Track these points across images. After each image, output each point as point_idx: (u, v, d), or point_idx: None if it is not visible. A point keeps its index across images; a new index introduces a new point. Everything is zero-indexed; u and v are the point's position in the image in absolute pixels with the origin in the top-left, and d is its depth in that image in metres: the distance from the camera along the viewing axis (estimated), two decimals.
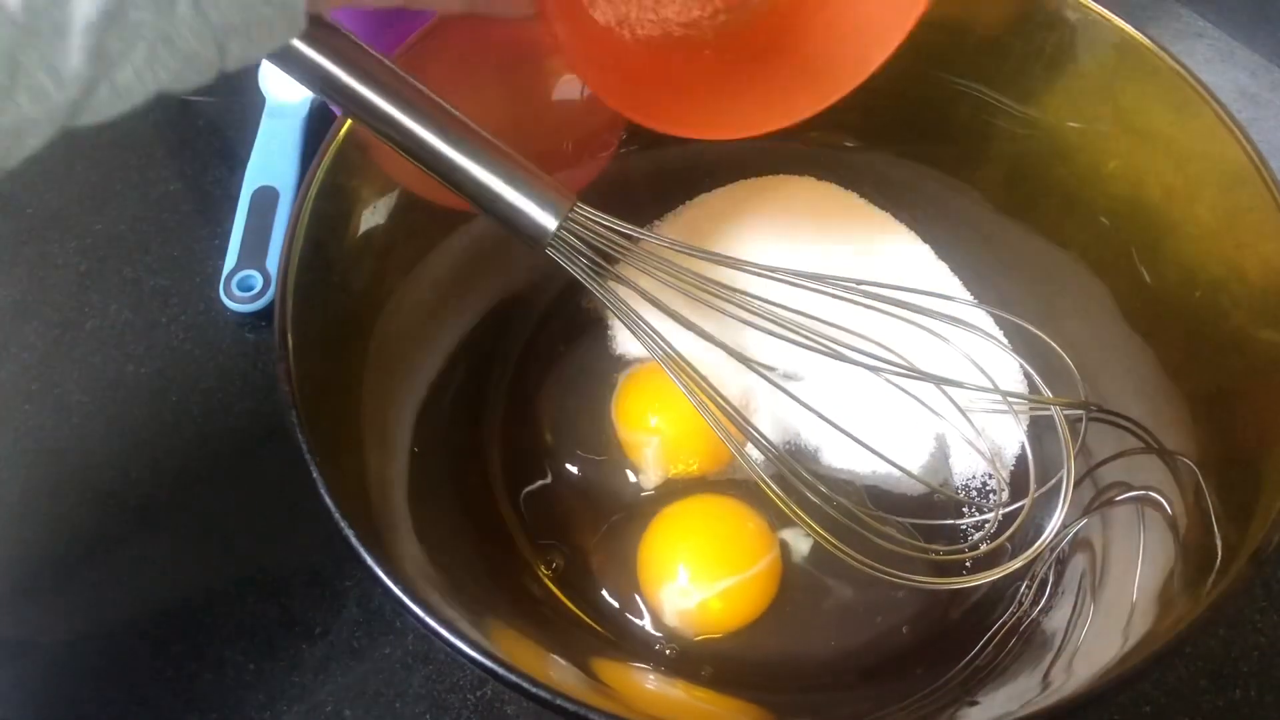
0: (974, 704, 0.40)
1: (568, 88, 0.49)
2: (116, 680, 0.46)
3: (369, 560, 0.33)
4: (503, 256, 0.49)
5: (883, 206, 0.53)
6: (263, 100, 0.62)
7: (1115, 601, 0.40)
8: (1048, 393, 0.46)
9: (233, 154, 0.62)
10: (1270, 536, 0.34)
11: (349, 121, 0.41)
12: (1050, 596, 0.44)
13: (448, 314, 0.49)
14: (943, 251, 0.53)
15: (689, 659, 0.44)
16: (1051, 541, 0.43)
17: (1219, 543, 0.36)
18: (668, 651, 0.44)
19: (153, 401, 0.53)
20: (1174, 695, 0.46)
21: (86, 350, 0.55)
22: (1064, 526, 0.44)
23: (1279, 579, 0.48)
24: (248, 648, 0.47)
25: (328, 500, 0.34)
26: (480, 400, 0.50)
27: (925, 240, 0.53)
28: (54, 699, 0.46)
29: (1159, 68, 0.43)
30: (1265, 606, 0.48)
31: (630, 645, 0.45)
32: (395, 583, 0.33)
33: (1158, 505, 0.41)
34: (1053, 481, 0.44)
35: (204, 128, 0.63)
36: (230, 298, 0.55)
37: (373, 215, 0.44)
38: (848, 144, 0.54)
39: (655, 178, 0.54)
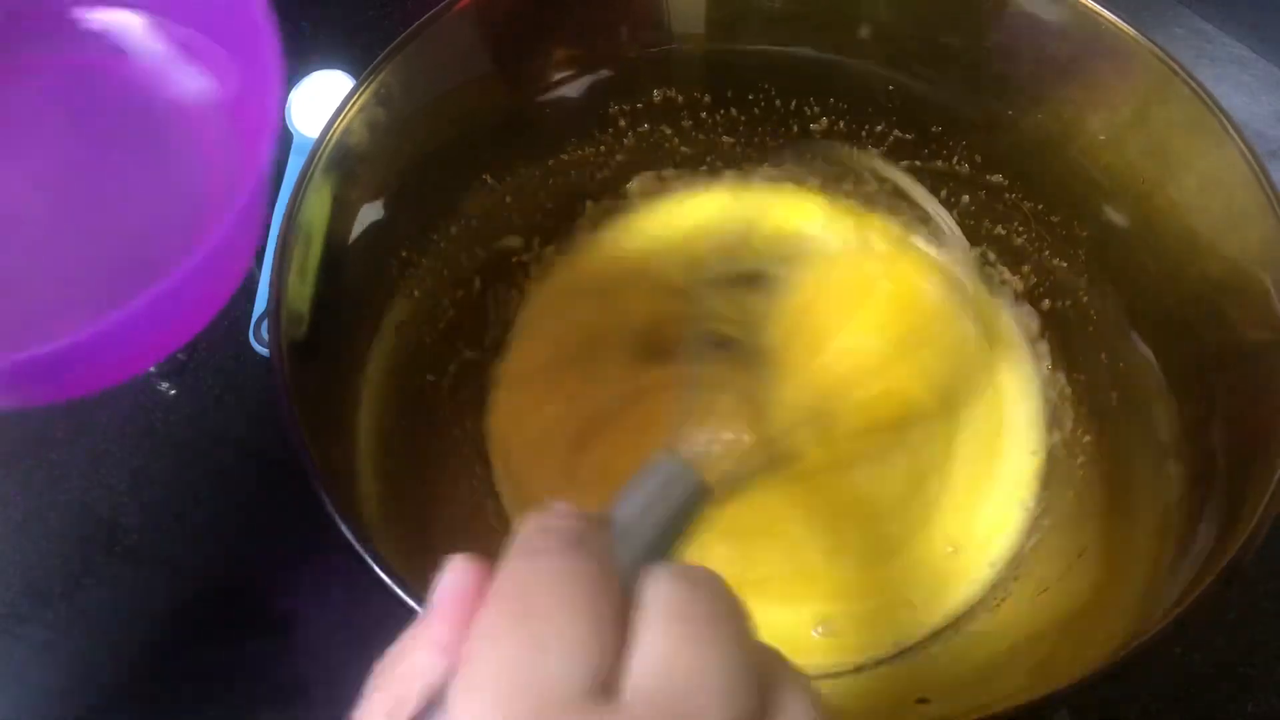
0: (924, 701, 0.40)
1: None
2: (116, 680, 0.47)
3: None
4: None
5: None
6: (290, 136, 0.59)
7: (1087, 604, 0.40)
8: None
9: None
10: (1247, 549, 0.34)
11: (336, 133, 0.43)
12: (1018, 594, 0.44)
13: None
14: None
15: None
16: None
17: (1199, 553, 0.37)
18: None
19: (181, 452, 0.52)
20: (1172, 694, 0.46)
21: (114, 397, 0.53)
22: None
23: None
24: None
25: (378, 568, 0.34)
26: None
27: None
28: (53, 699, 0.46)
29: (1181, 92, 0.42)
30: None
31: None
32: None
33: (1146, 506, 0.42)
34: None
35: None
36: (260, 342, 0.53)
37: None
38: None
39: None
